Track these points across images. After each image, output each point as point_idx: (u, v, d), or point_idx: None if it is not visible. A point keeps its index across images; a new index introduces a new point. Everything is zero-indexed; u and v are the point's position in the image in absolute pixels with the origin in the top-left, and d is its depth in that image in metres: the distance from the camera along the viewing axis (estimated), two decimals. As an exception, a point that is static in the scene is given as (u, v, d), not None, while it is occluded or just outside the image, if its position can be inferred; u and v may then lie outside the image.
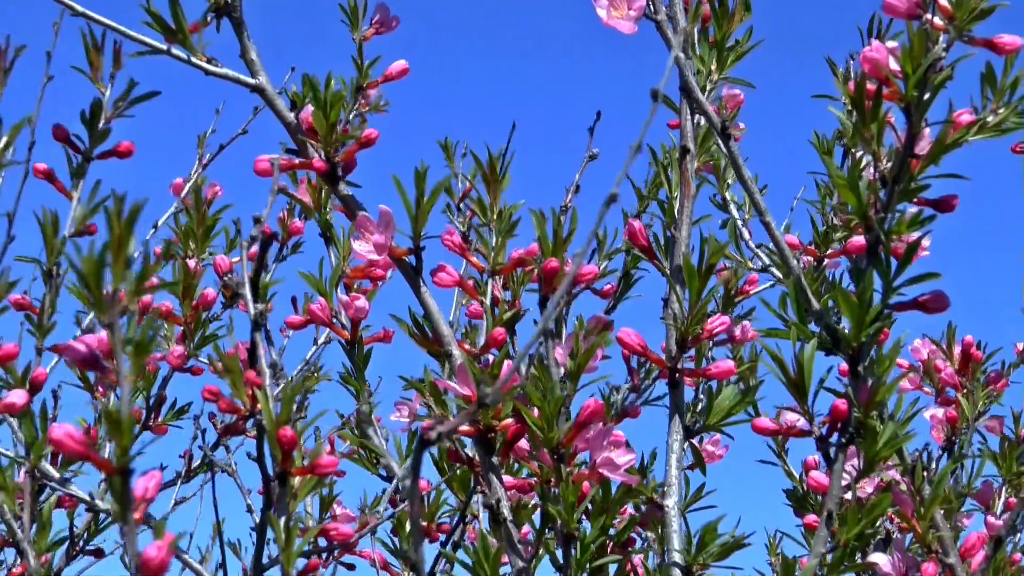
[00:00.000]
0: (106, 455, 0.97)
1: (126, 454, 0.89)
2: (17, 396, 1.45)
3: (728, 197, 2.11)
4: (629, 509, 1.57)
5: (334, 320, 1.75)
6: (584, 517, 1.44)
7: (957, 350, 2.28)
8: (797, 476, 2.00)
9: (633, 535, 1.56)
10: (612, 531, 1.47)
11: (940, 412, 2.22)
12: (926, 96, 1.36)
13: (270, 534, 1.34)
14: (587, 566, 1.39)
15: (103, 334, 1.04)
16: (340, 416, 1.83)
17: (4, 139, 1.45)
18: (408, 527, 1.90)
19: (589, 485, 1.41)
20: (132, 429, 0.89)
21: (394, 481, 1.88)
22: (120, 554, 2.38)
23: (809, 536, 1.86)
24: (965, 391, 2.21)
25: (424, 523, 1.89)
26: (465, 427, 1.41)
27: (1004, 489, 2.14)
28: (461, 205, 2.09)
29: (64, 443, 0.95)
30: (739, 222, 2.12)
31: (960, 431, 2.19)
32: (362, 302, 1.73)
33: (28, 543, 1.43)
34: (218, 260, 2.01)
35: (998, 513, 2.11)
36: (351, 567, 2.26)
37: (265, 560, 1.62)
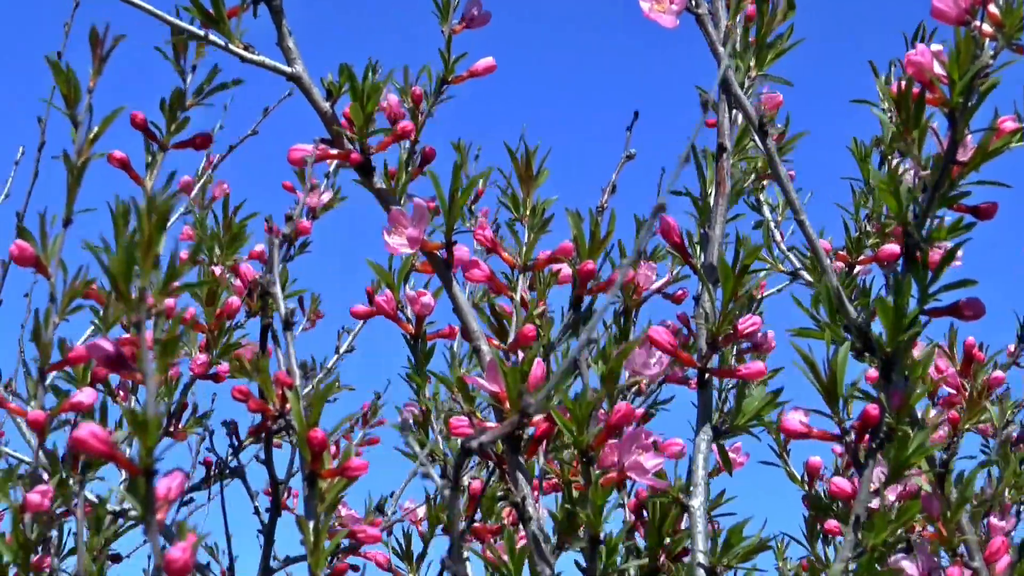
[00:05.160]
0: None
1: (150, 455, 0.89)
2: (86, 395, 1.43)
3: (762, 199, 2.10)
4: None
5: (399, 314, 1.73)
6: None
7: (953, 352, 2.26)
8: (799, 478, 1.99)
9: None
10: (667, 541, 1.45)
11: (941, 415, 2.21)
12: (971, 103, 1.34)
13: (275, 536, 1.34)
14: (614, 569, 1.38)
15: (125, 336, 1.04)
16: (397, 410, 1.82)
17: (95, 130, 1.43)
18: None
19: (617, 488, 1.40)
20: (157, 430, 0.88)
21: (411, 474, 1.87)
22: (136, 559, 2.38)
23: (813, 540, 1.86)
24: (988, 397, 2.20)
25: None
26: (491, 425, 1.40)
27: (1007, 492, 2.13)
28: (474, 208, 2.08)
29: (88, 442, 0.94)
30: (772, 224, 2.11)
31: (962, 433, 2.18)
32: (428, 299, 1.71)
33: (82, 542, 1.42)
34: (243, 268, 1.99)
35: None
36: (356, 568, 2.26)
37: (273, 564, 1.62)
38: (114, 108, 1.40)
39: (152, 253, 0.91)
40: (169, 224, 0.96)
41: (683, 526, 1.50)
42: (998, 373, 2.29)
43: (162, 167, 1.58)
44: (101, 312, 1.54)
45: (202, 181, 2.56)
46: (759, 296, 2.13)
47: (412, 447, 1.55)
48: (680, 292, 1.95)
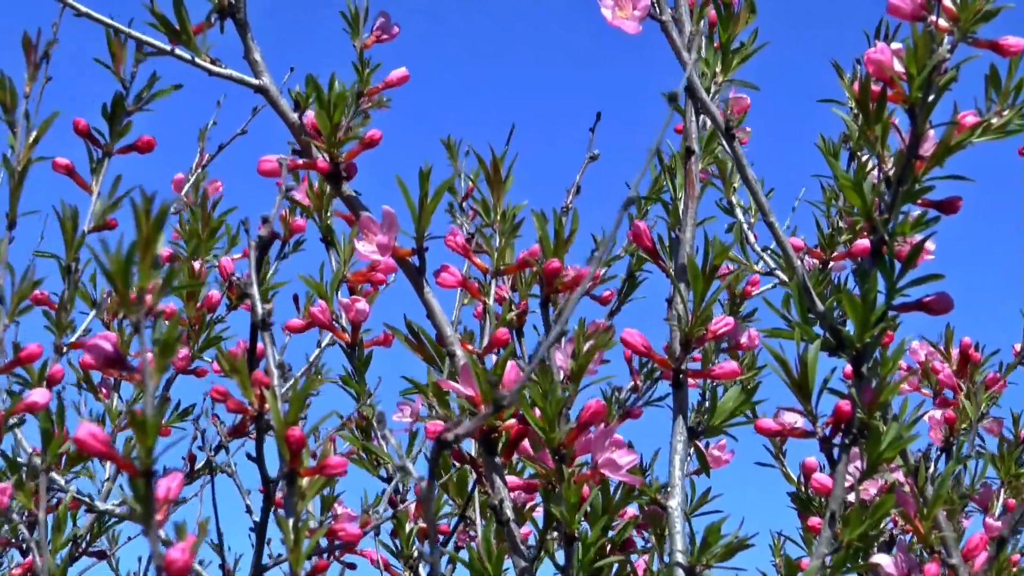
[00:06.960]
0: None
1: (150, 455, 0.89)
2: (39, 395, 1.45)
3: (734, 201, 2.12)
4: (632, 510, 1.57)
5: (335, 323, 1.75)
6: (584, 518, 1.44)
7: (955, 352, 2.29)
8: (795, 478, 2.00)
9: (634, 536, 1.56)
10: (611, 532, 1.46)
11: (938, 413, 2.22)
12: (930, 98, 1.36)
13: (268, 534, 1.35)
14: (589, 567, 1.38)
15: (109, 334, 1.05)
16: (340, 417, 1.83)
17: (34, 134, 1.46)
18: (408, 528, 1.91)
19: (590, 486, 1.41)
20: (157, 430, 0.88)
21: (393, 481, 1.88)
22: (120, 556, 2.39)
23: (808, 538, 1.87)
24: (966, 392, 2.21)
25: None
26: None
27: (1003, 490, 2.14)
28: (464, 204, 2.09)
29: (88, 443, 0.94)
30: (745, 226, 2.13)
31: (959, 432, 2.20)
32: (362, 305, 1.73)
33: (44, 543, 1.43)
34: (223, 262, 2.01)
35: (996, 514, 2.11)
36: (352, 567, 2.26)
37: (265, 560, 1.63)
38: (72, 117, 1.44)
39: (150, 253, 0.92)
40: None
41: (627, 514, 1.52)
42: (992, 373, 2.31)
43: (107, 172, 1.61)
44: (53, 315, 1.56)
45: (194, 178, 2.56)
46: (753, 294, 2.15)
47: (389, 439, 1.56)
48: (607, 293, 1.98)
